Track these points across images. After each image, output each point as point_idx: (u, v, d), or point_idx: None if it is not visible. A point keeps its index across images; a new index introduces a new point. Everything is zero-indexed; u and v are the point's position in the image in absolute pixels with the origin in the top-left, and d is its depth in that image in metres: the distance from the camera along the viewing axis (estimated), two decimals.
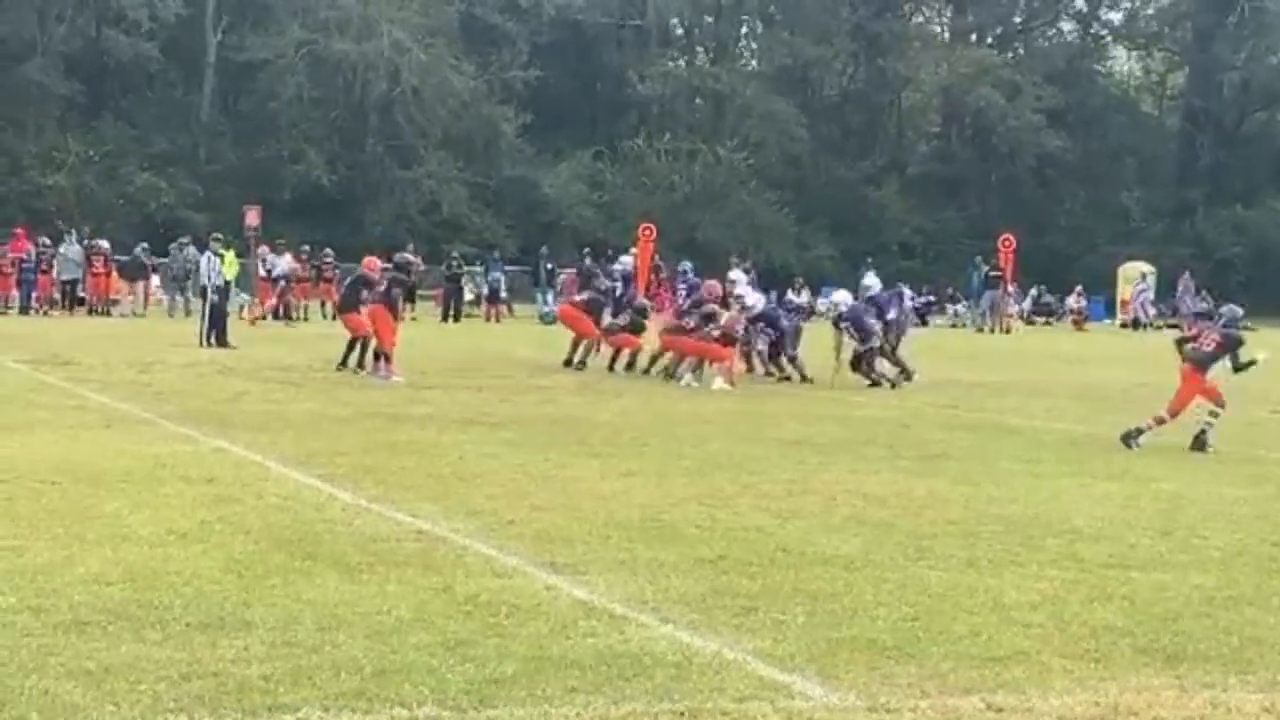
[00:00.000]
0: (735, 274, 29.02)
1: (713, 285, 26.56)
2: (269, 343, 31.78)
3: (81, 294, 43.85)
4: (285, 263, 43.83)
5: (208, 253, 31.66)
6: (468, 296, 48.50)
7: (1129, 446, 16.84)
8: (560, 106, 72.19)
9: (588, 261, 39.06)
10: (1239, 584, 9.76)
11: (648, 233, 44.04)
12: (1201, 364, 17.61)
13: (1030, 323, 56.29)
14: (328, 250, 45.96)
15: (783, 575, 9.57)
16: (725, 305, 25.46)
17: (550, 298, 47.08)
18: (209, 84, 66.67)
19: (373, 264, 25.94)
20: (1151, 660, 7.84)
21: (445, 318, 45.26)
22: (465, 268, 49.31)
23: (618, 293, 29.99)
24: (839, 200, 72.16)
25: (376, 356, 23.90)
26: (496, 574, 9.39)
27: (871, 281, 29.23)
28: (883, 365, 25.80)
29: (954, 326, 53.82)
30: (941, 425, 19.38)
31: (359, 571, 9.22)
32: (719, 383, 23.66)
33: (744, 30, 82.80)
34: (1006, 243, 51.96)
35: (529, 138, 68.75)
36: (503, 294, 48.45)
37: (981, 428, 19.29)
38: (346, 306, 25.38)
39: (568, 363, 27.18)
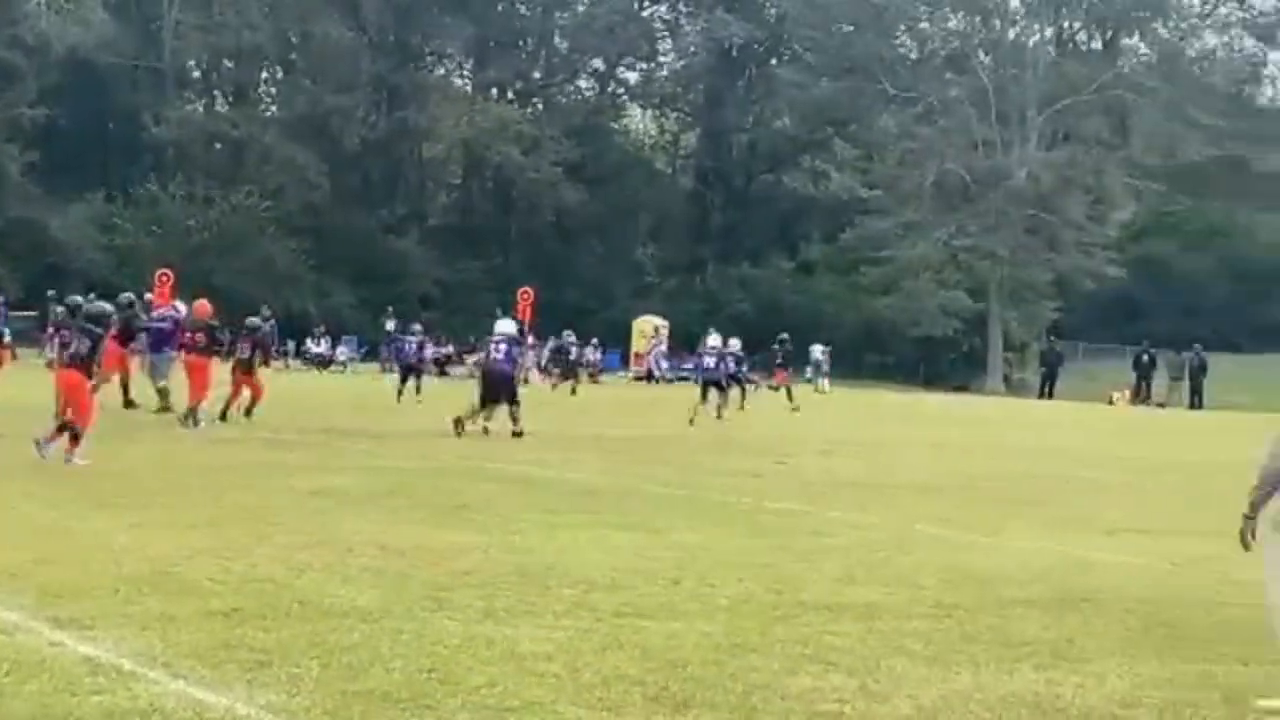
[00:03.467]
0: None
1: (201, 305, 27.07)
2: None
3: None
4: None
5: None
6: None
7: None
8: (71, 147, 69.92)
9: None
10: (745, 631, 10.09)
11: (164, 279, 42.99)
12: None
13: (548, 374, 57.14)
14: None
15: (298, 628, 9.45)
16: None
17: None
18: None
19: None
20: (661, 708, 8.03)
21: None
22: None
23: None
24: (359, 249, 71.87)
25: None
26: None
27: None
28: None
29: (471, 377, 54.10)
30: (462, 476, 19.48)
31: None
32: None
33: (264, 76, 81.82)
34: (525, 295, 52.76)
35: (36, 178, 66.31)
36: (6, 338, 46.49)
37: (501, 478, 19.46)
38: None
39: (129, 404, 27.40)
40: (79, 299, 22.65)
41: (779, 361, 45.96)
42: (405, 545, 12.99)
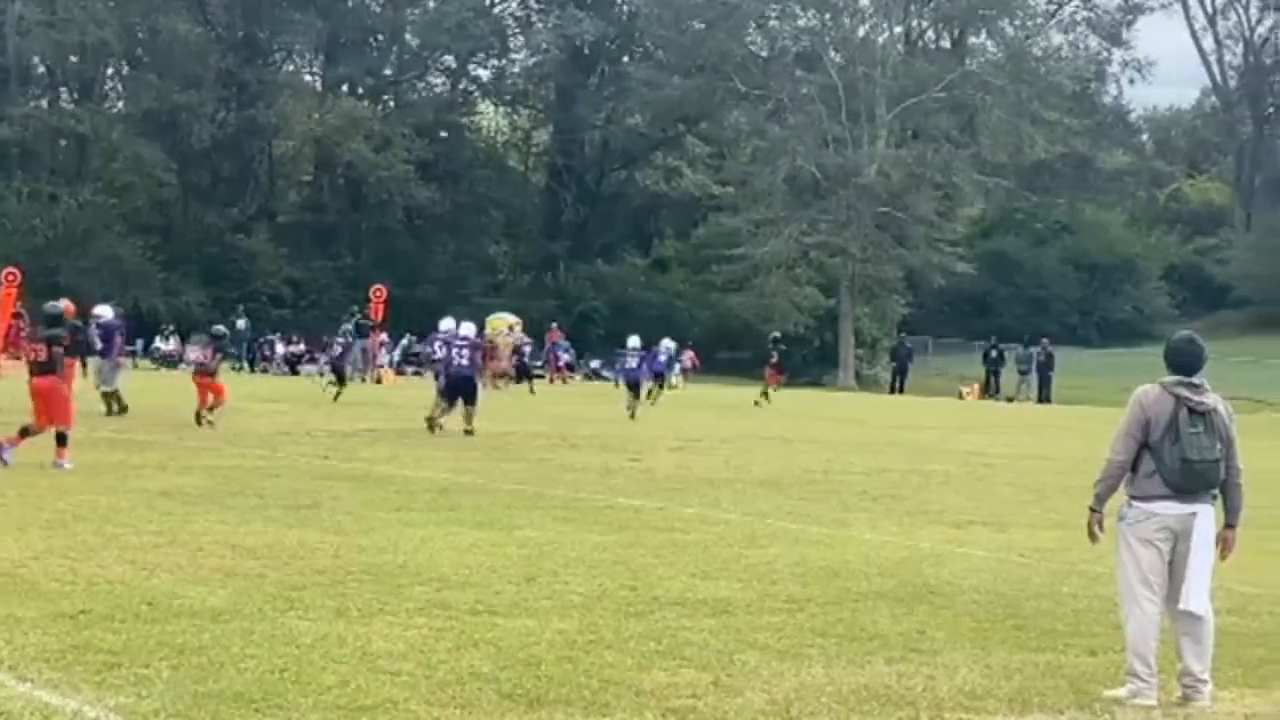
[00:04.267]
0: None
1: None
2: None
3: None
4: None
5: None
6: None
7: None
8: None
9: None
10: (599, 628, 10.11)
11: (11, 278, 42.22)
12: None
13: (401, 373, 56.77)
14: None
15: (147, 629, 9.34)
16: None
17: None
18: None
19: None
20: (515, 705, 8.03)
21: None
22: None
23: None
24: (209, 247, 70.97)
25: None
26: None
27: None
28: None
29: (321, 375, 53.70)
30: (313, 475, 19.34)
31: None
32: None
33: (110, 72, 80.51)
34: (378, 293, 52.45)
35: None
36: None
37: (353, 477, 19.34)
38: None
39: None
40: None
41: (773, 361, 46.22)
42: (256, 545, 12.89)
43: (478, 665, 8.84)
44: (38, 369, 19.41)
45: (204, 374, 28.18)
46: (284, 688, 8.07)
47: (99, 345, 28.94)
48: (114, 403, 28.18)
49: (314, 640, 9.26)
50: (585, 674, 8.76)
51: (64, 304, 21.66)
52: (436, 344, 32.17)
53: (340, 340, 41.45)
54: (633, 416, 33.83)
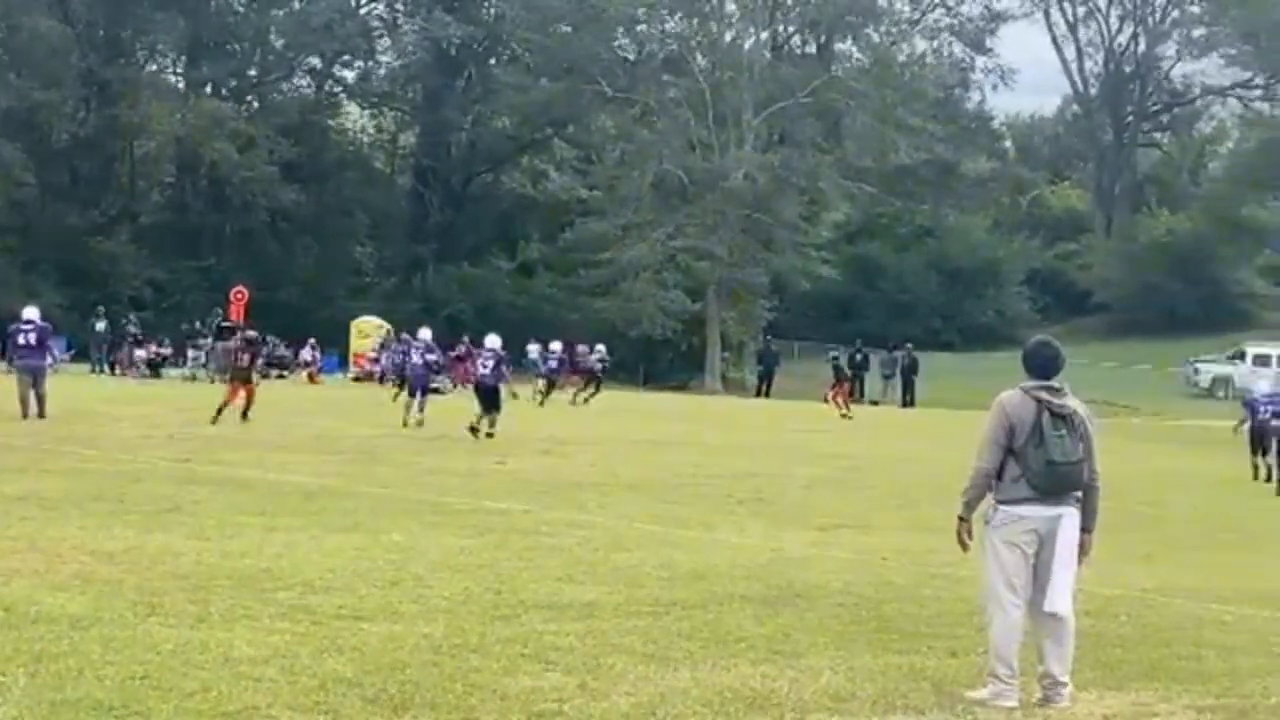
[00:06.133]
0: None
1: None
2: None
3: None
4: None
5: None
6: None
7: None
8: None
9: None
10: (465, 632, 10.08)
11: None
12: None
13: (265, 376, 56.24)
14: None
15: (4, 636, 9.19)
16: None
17: None
18: None
19: None
20: (380, 710, 7.98)
21: None
22: None
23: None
24: (68, 248, 69.86)
25: None
26: None
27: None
28: None
29: (191, 379, 53.19)
30: (174, 479, 19.11)
31: None
32: None
33: None
34: (239, 295, 51.92)
35: None
36: None
37: (215, 481, 19.14)
38: None
39: None
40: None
41: (839, 376, 47.66)
42: (115, 550, 12.71)
43: (342, 670, 8.77)
44: None
45: (239, 377, 29.95)
46: (144, 694, 7.96)
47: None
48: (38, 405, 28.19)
49: (175, 646, 9.15)
50: (450, 678, 8.73)
51: None
52: (400, 351, 33.79)
53: (400, 349, 42.20)
54: (473, 431, 28.57)
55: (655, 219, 72.68)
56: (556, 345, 34.81)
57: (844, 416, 44.76)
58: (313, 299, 72.25)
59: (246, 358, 30.63)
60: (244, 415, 29.36)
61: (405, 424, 30.49)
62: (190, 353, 55.16)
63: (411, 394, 31.88)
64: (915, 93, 78.54)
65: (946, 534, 9.52)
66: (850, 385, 53.01)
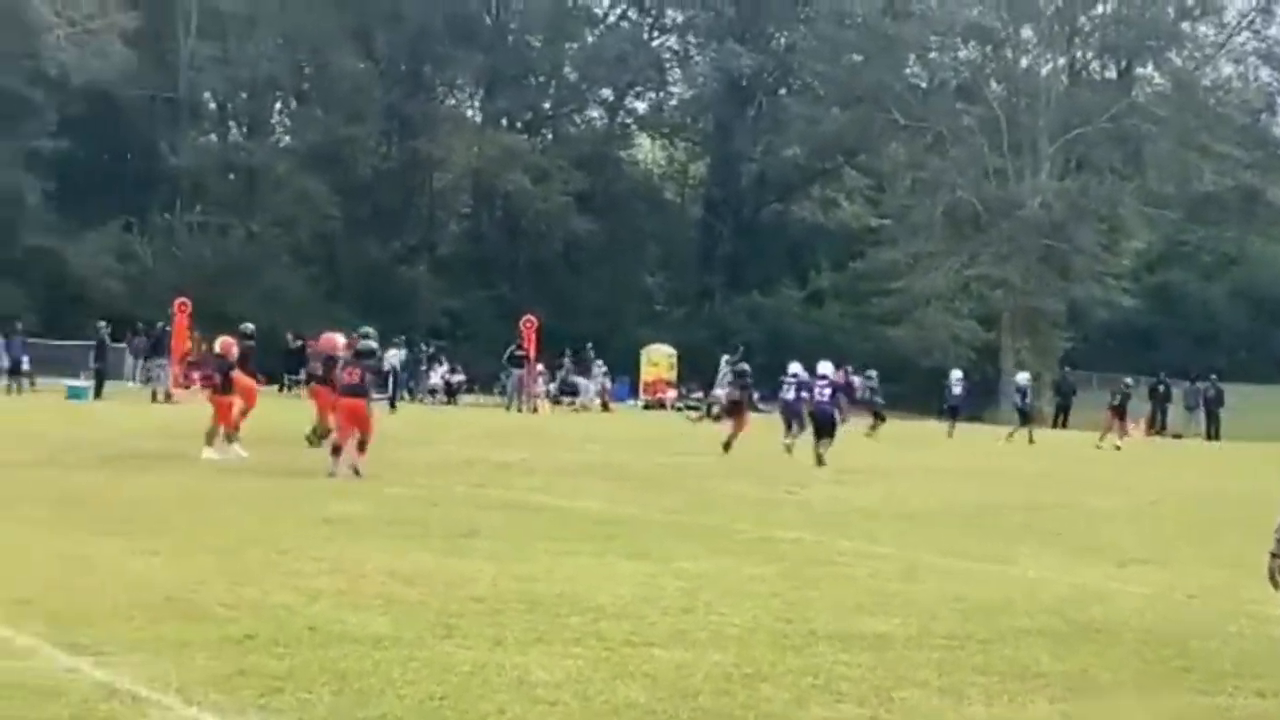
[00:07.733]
0: None
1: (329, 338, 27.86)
2: None
3: None
4: None
5: None
6: None
7: None
8: (89, 177, 69.99)
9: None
10: (755, 660, 10.03)
11: (183, 307, 43.04)
12: None
13: (557, 403, 57.04)
14: None
15: (310, 654, 9.43)
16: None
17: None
18: None
19: None
20: None
21: None
22: None
23: None
24: (370, 279, 71.94)
25: None
26: (13, 655, 8.97)
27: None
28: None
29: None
30: (470, 504, 19.44)
31: None
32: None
33: (278, 106, 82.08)
34: (529, 323, 52.75)
35: (54, 207, 66.49)
36: (25, 366, 47.00)
37: (509, 506, 19.41)
38: None
39: None
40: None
41: (1115, 405, 47.91)
42: (415, 572, 12.96)
43: (635, 696, 8.80)
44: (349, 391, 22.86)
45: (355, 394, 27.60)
46: (443, 715, 8.10)
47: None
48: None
49: (472, 668, 9.29)
50: (742, 707, 8.70)
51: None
52: (786, 386, 32.70)
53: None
54: (789, 451, 30.81)
55: (947, 247, 72.00)
56: (828, 368, 31.74)
57: (1114, 447, 43.95)
58: (604, 327, 73.05)
59: (357, 375, 24.97)
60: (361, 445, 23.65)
61: (819, 462, 28.88)
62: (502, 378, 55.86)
63: (816, 432, 30.02)
64: (1220, 118, 76.51)
65: (1253, 570, 9.18)
66: (1151, 418, 51.79)
